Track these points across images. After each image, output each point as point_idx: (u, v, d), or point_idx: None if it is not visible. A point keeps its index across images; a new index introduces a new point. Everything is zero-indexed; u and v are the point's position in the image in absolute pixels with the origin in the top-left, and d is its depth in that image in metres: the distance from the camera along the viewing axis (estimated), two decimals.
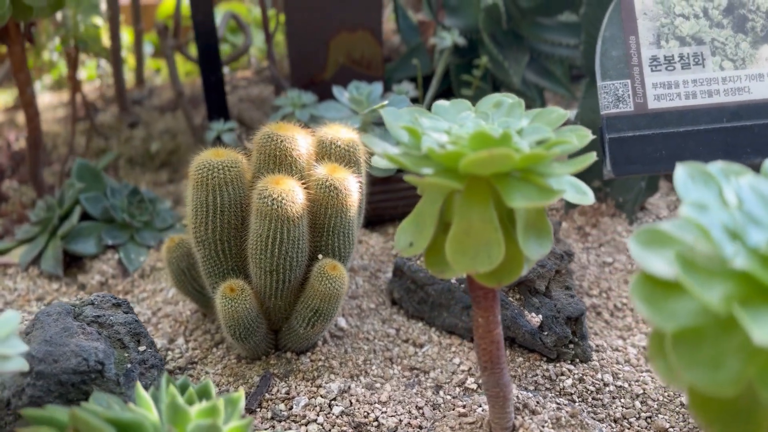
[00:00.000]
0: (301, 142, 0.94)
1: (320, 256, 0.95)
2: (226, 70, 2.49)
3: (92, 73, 2.47)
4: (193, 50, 2.35)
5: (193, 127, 1.79)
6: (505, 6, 1.40)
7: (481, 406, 0.87)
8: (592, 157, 0.66)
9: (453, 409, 0.88)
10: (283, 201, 0.87)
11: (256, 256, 0.90)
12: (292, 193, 0.88)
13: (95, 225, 1.24)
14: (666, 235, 0.54)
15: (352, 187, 0.93)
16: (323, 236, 0.94)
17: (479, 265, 0.67)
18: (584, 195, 0.70)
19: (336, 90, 1.29)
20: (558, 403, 0.86)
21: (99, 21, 1.73)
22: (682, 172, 0.56)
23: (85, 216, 1.25)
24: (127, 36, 2.41)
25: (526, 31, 1.48)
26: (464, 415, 0.86)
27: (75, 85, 1.56)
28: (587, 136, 0.68)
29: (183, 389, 0.71)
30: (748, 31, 1.02)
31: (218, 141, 1.40)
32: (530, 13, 1.45)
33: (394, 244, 0.73)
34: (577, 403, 0.90)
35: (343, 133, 0.98)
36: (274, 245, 0.89)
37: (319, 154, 0.97)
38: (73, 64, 1.54)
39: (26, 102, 1.37)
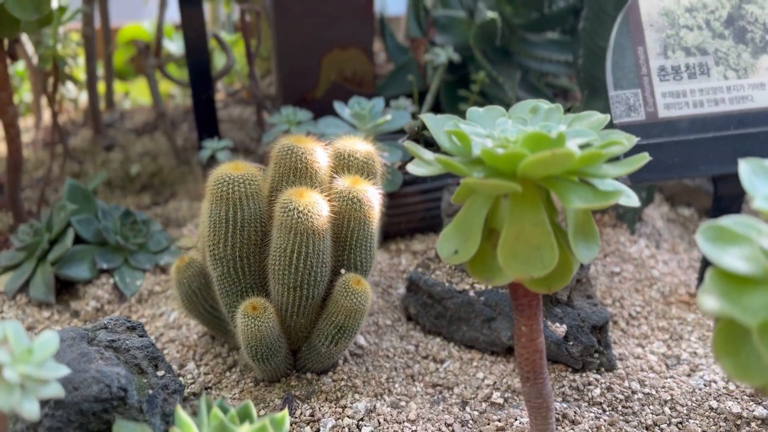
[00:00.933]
0: (321, 154, 0.92)
1: (343, 271, 0.92)
2: None
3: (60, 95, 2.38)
4: (170, 70, 2.29)
5: (176, 148, 1.74)
6: (493, 24, 1.41)
7: (517, 420, 0.85)
8: (645, 157, 0.66)
9: (488, 424, 0.86)
10: (309, 213, 0.84)
11: (279, 271, 0.87)
12: (317, 206, 0.85)
13: (88, 248, 1.18)
14: (731, 231, 0.54)
15: (374, 199, 0.91)
16: (345, 250, 0.92)
17: (532, 269, 0.65)
18: (630, 198, 0.70)
19: (337, 105, 1.27)
20: (594, 413, 0.85)
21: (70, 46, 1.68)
22: (745, 168, 0.57)
23: (76, 239, 1.18)
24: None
25: (516, 48, 1.50)
26: (502, 429, 0.84)
27: (54, 105, 1.49)
28: (633, 138, 0.68)
29: (223, 412, 0.67)
30: (748, 42, 1.05)
31: (212, 160, 1.36)
32: (521, 29, 1.47)
33: (439, 252, 0.71)
34: (608, 412, 0.89)
35: (360, 145, 0.96)
36: (299, 260, 0.86)
37: (336, 166, 0.94)
38: (53, 84, 1.48)
39: (7, 122, 1.31)
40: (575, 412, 0.83)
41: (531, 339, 0.75)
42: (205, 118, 1.44)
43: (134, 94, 2.64)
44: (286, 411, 0.68)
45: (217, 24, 2.95)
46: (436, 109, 1.61)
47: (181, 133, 1.93)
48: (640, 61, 1.03)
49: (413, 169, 0.75)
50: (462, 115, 1.41)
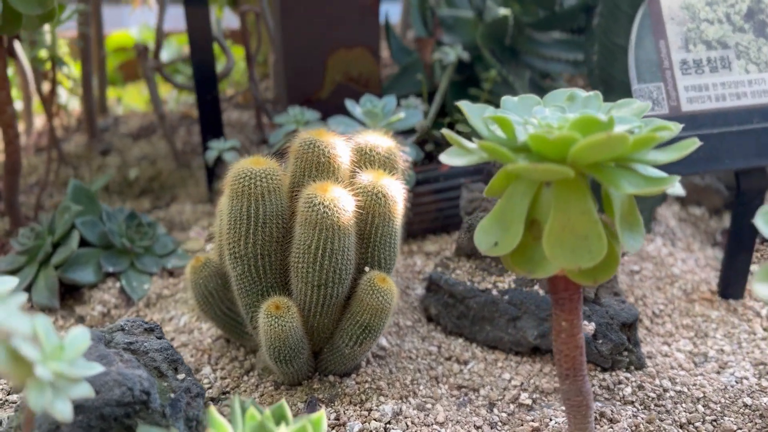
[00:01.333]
0: (343, 148, 0.89)
1: (367, 269, 0.89)
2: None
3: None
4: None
5: (176, 151, 1.70)
6: (505, 21, 1.40)
7: (552, 420, 0.82)
8: (695, 142, 0.64)
9: (522, 425, 0.83)
10: (334, 208, 0.81)
11: (303, 269, 0.84)
12: (343, 200, 0.82)
13: (93, 251, 1.14)
14: None
15: (399, 195, 0.89)
16: (368, 247, 0.89)
17: (580, 260, 0.63)
18: (675, 187, 0.68)
19: (349, 103, 1.24)
20: (631, 411, 0.83)
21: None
22: None
23: (80, 242, 1.14)
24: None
25: (523, 47, 1.49)
26: (537, 429, 0.81)
27: (51, 106, 1.45)
28: (679, 125, 0.66)
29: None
30: None
31: (219, 161, 1.32)
32: (529, 28, 1.46)
33: (477, 245, 0.68)
34: (643, 411, 0.86)
35: (381, 140, 0.93)
36: (324, 256, 0.83)
37: (358, 161, 0.92)
38: (51, 84, 1.44)
39: (6, 123, 1.26)
40: (612, 411, 0.81)
41: (571, 335, 0.73)
42: (210, 119, 1.40)
43: (126, 100, 2.60)
44: (323, 411, 0.64)
45: None
46: (443, 109, 1.59)
47: (179, 138, 1.89)
48: (662, 55, 1.01)
49: (450, 159, 0.72)
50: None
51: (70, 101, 2.23)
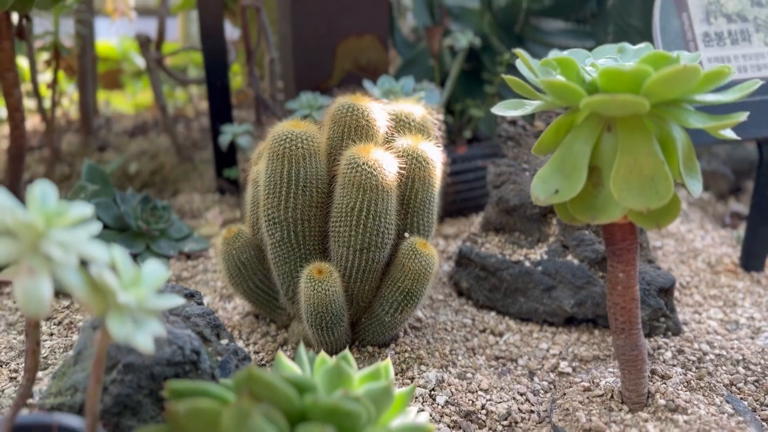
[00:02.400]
0: (381, 113, 0.88)
1: (407, 234, 0.87)
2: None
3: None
4: (144, 82, 2.22)
5: (178, 144, 1.67)
6: (517, 7, 1.41)
7: (602, 380, 0.81)
8: (756, 82, 0.64)
9: (571, 386, 0.82)
10: (378, 169, 0.80)
11: (344, 232, 0.82)
12: (385, 162, 0.81)
13: (108, 234, 1.10)
14: None
15: (438, 160, 0.88)
16: (407, 213, 0.87)
17: (648, 201, 0.63)
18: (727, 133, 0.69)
19: (367, 84, 1.24)
20: (678, 371, 0.82)
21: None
22: None
23: None
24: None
25: (530, 36, 1.50)
26: (588, 389, 0.80)
27: (54, 94, 1.41)
28: (732, 68, 0.67)
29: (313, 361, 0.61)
30: None
31: (232, 147, 1.30)
32: (537, 16, 1.47)
33: (532, 194, 0.67)
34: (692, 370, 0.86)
35: (415, 108, 0.92)
36: (367, 218, 0.81)
37: (394, 128, 0.91)
38: (54, 72, 1.40)
39: (12, 105, 1.23)
40: (662, 369, 0.80)
41: (628, 286, 0.72)
42: (220, 106, 1.38)
43: (114, 104, 2.56)
44: (388, 359, 0.63)
45: (189, 38, 2.90)
46: (451, 97, 1.59)
47: (178, 134, 1.86)
48: (685, 27, 1.03)
49: (504, 111, 0.72)
50: (480, 100, 1.38)
51: (61, 101, 2.18)
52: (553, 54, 0.67)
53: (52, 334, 0.94)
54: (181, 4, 1.99)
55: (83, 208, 0.48)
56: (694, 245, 1.18)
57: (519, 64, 0.72)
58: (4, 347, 0.91)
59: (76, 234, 0.46)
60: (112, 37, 2.78)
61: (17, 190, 1.30)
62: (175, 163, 1.66)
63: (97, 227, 0.48)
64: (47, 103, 1.85)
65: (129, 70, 2.82)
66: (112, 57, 2.80)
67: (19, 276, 0.44)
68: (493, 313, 1.01)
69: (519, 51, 0.71)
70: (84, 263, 0.47)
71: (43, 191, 0.47)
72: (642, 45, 0.72)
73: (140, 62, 2.69)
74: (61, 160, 1.76)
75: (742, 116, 0.62)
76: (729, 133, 0.69)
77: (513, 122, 1.13)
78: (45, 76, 1.97)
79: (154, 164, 1.68)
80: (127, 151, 1.77)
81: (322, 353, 0.59)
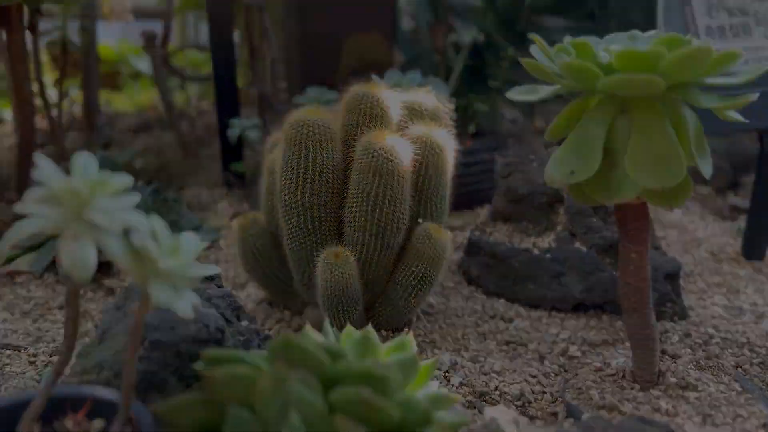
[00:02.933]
0: (394, 102, 0.90)
1: (420, 220, 0.89)
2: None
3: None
4: (143, 84, 2.23)
5: (184, 140, 1.68)
6: (519, 4, 1.44)
7: (614, 360, 0.83)
8: (765, 67, 0.66)
9: (582, 367, 0.84)
10: (393, 155, 0.82)
11: (360, 217, 0.84)
12: (401, 147, 0.83)
13: None
14: None
15: (451, 148, 0.90)
16: (421, 198, 0.89)
17: (662, 180, 0.65)
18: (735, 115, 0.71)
19: (374, 78, 1.25)
20: (689, 350, 0.84)
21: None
22: None
23: None
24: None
25: (532, 32, 1.52)
26: (600, 369, 0.82)
27: (62, 87, 1.42)
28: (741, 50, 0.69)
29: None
30: None
31: (240, 140, 1.31)
32: (539, 14, 1.50)
33: (547, 176, 0.69)
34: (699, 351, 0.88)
35: (427, 97, 0.94)
36: (383, 203, 0.83)
37: (407, 116, 0.92)
38: (62, 67, 1.41)
39: (22, 99, 1.24)
40: (671, 349, 0.82)
41: (640, 266, 0.74)
42: (228, 100, 1.40)
43: (117, 101, 2.57)
44: (411, 333, 0.64)
45: (186, 40, 2.91)
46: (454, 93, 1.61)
47: (182, 130, 1.87)
48: (688, 20, 1.05)
49: (521, 95, 0.74)
50: (485, 95, 1.39)
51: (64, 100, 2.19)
52: (567, 40, 0.69)
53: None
54: (183, 3, 2.01)
55: (124, 178, 0.49)
56: (696, 235, 1.20)
57: (534, 49, 0.74)
58: (22, 333, 0.92)
59: (119, 202, 0.47)
60: (110, 40, 2.79)
61: (27, 183, 1.31)
62: (181, 159, 1.67)
63: (136, 198, 0.49)
64: (53, 100, 1.86)
65: (127, 72, 2.84)
66: (110, 59, 2.81)
67: (64, 241, 0.46)
68: (502, 300, 1.03)
69: (535, 36, 0.73)
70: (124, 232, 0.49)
71: (85, 162, 0.48)
72: (652, 32, 0.75)
73: (139, 65, 2.70)
74: (65, 158, 1.77)
75: (753, 96, 0.64)
76: (736, 116, 0.71)
77: (513, 121, 1.15)
78: (46, 78, 1.98)
79: (160, 160, 1.69)
80: (132, 148, 1.78)
81: (348, 326, 0.60)
